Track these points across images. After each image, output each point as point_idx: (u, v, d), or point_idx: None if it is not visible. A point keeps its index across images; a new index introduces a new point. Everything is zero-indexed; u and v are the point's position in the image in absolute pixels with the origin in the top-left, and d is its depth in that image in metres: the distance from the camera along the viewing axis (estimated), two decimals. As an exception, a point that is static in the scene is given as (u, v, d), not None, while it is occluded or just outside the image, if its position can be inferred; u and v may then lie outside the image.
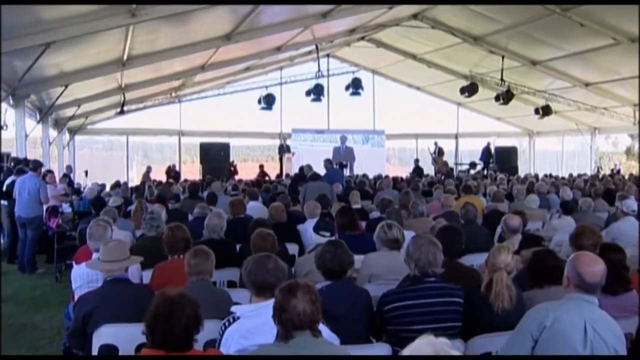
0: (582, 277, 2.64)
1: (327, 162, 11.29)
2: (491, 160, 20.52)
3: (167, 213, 7.20)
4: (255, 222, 5.19)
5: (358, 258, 3.87)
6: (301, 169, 11.83)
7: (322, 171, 11.03)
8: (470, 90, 17.69)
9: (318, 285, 2.95)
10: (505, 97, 17.18)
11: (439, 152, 20.29)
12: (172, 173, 18.09)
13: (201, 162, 19.87)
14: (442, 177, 15.66)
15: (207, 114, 20.88)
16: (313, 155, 17.86)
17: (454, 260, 3.84)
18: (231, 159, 19.67)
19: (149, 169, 18.09)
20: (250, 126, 21.36)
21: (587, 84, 16.33)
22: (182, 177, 17.99)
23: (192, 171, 20.36)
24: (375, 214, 7.38)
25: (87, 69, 11.49)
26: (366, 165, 20.26)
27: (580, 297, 2.65)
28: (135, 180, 18.17)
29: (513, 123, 23.38)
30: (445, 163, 19.70)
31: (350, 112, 22.00)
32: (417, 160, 20.08)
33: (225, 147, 20.13)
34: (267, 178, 15.74)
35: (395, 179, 13.30)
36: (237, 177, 16.69)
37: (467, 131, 23.77)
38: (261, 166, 19.45)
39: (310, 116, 21.61)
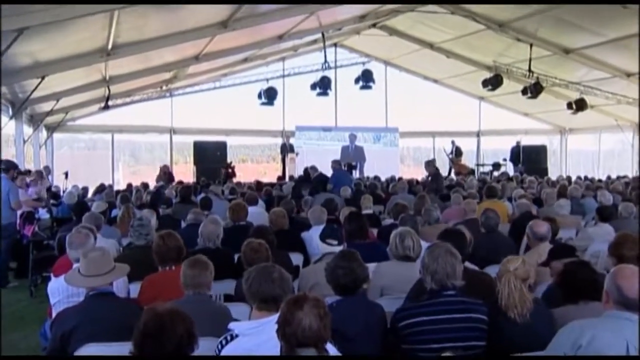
0: (624, 292, 2.62)
1: (336, 163, 11.31)
2: (520, 161, 20.43)
3: (158, 219, 7.21)
4: (256, 229, 5.19)
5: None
6: (306, 170, 11.87)
7: (328, 173, 11.06)
8: (494, 82, 17.65)
9: (328, 300, 2.94)
10: (534, 90, 17.09)
11: (457, 152, 20.20)
12: (167, 176, 18.09)
13: (195, 162, 19.90)
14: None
15: (202, 109, 20.93)
16: (319, 156, 17.92)
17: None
18: (228, 160, 19.69)
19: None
20: (249, 123, 21.42)
21: (628, 74, 16.17)
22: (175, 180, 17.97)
23: (184, 173, 20.33)
24: (388, 221, 7.37)
25: (67, 59, 11.48)
26: (378, 166, 20.26)
27: (621, 314, 2.63)
28: (121, 183, 18.16)
29: (542, 119, 23.30)
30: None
31: (360, 108, 22.01)
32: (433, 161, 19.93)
33: (222, 147, 20.17)
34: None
35: (410, 182, 13.27)
36: (234, 180, 16.67)
37: (490, 128, 23.72)
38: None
39: (316, 112, 21.68)
